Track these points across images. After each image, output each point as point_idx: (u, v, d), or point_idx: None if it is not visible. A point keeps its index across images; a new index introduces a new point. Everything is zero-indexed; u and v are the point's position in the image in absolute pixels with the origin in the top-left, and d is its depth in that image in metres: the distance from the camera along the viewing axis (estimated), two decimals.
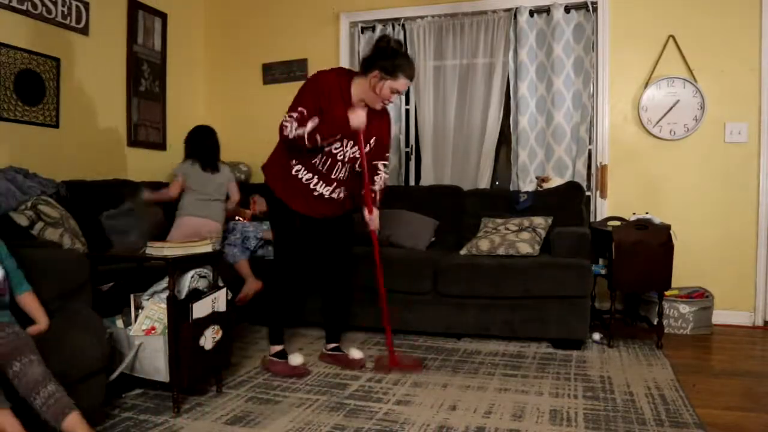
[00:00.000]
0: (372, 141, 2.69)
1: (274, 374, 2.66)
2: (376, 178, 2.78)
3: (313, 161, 2.61)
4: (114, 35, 3.95)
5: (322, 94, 2.54)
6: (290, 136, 2.50)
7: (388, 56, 2.51)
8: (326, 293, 2.94)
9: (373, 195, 2.76)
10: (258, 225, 3.68)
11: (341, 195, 2.73)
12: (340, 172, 2.66)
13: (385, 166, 2.82)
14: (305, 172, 2.63)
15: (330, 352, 2.91)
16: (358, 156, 2.65)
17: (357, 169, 2.70)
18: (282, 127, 2.53)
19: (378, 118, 2.68)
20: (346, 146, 2.62)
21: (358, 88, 2.58)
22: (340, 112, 2.51)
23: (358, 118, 2.50)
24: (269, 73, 4.72)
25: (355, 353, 2.83)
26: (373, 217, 2.76)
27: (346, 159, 2.64)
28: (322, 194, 2.66)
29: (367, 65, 2.56)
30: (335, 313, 2.97)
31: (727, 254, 3.72)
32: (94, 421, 1.91)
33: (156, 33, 4.33)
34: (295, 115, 2.51)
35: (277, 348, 2.76)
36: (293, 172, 2.64)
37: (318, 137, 2.47)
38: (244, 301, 3.41)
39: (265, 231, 3.60)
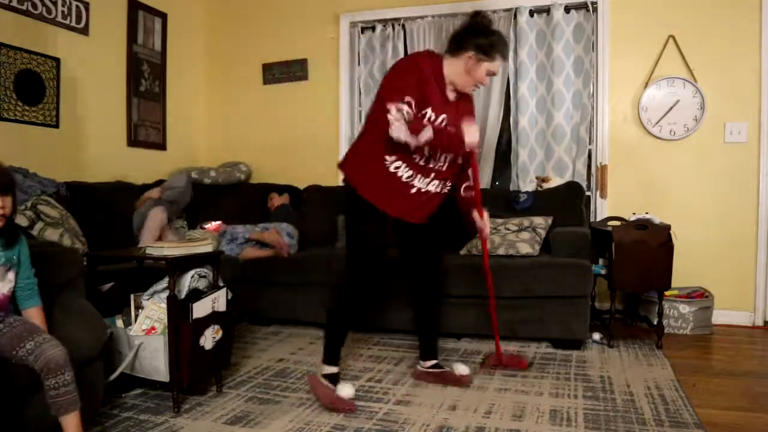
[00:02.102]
0: None
1: (316, 396, 2.34)
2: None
3: (413, 156, 2.27)
4: (114, 35, 3.95)
5: (427, 82, 2.24)
6: (397, 137, 2.13)
7: (486, 34, 2.26)
8: (419, 305, 2.62)
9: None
10: (251, 227, 3.70)
11: (440, 189, 2.39)
12: (439, 162, 2.33)
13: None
14: (406, 168, 2.28)
15: (431, 370, 2.58)
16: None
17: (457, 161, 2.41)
18: (393, 134, 2.13)
19: (464, 103, 2.42)
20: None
21: (450, 70, 2.30)
22: (439, 100, 2.27)
23: (474, 133, 2.21)
24: (269, 73, 4.72)
25: (462, 369, 2.53)
26: (485, 221, 2.53)
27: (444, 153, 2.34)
28: (420, 189, 2.32)
29: (460, 45, 2.28)
30: (431, 326, 2.65)
31: (727, 254, 3.71)
32: (92, 412, 1.92)
33: (156, 33, 4.33)
34: (404, 108, 2.12)
35: (332, 369, 2.39)
36: (392, 170, 2.28)
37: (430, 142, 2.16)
38: (247, 257, 3.57)
39: (257, 232, 3.61)
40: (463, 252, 3.50)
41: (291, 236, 3.79)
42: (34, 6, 3.31)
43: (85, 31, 3.67)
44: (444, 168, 2.36)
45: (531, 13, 4.03)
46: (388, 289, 2.88)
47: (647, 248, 3.09)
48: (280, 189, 4.28)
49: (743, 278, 3.70)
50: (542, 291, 3.04)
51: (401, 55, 4.36)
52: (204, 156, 4.88)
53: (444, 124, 2.27)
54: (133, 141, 4.13)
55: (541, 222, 3.47)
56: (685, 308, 3.47)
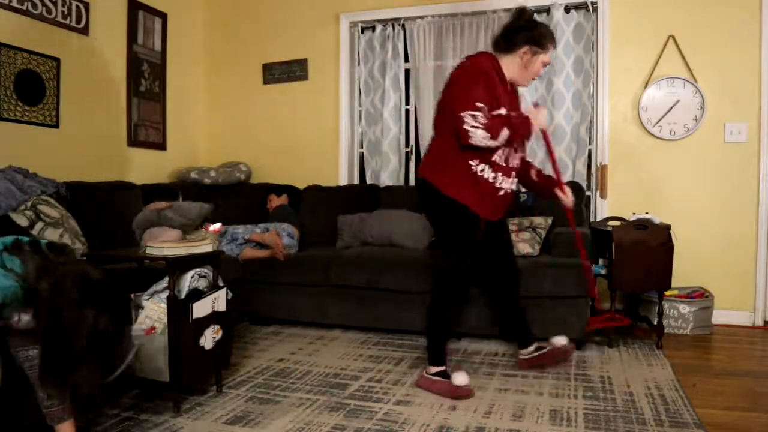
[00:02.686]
0: None
1: (433, 393, 2.41)
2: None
3: (494, 157, 2.38)
4: (114, 35, 3.95)
5: (494, 84, 2.34)
6: (475, 143, 2.26)
7: (535, 27, 2.38)
8: (504, 299, 2.73)
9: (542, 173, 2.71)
10: (252, 227, 3.69)
11: (515, 186, 2.58)
12: (515, 160, 2.49)
13: None
14: (490, 170, 2.39)
15: (536, 354, 2.68)
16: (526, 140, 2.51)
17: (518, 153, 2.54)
18: (465, 133, 2.24)
19: (514, 95, 2.56)
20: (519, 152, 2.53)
21: (508, 68, 2.42)
22: (506, 98, 2.38)
23: (543, 116, 2.40)
24: (269, 73, 4.72)
25: (560, 339, 2.67)
26: (568, 194, 2.65)
27: (516, 145, 2.47)
28: (505, 190, 2.47)
29: (512, 42, 2.39)
30: (520, 314, 2.76)
31: (727, 254, 3.71)
32: (89, 406, 1.92)
33: (156, 33, 4.33)
34: (479, 115, 2.22)
35: (440, 368, 2.46)
36: (478, 173, 2.38)
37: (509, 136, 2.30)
38: (246, 258, 3.58)
39: (257, 233, 3.61)
40: None
41: (291, 237, 3.79)
42: (34, 6, 3.31)
43: (85, 31, 3.67)
44: (518, 165, 2.52)
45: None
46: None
47: (647, 248, 3.09)
48: (280, 189, 4.27)
49: (743, 278, 3.70)
50: (542, 291, 3.03)
51: (401, 55, 4.37)
52: (204, 156, 4.88)
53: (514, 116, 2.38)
54: (133, 141, 4.13)
55: (541, 222, 3.47)
56: (685, 308, 3.47)
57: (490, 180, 2.41)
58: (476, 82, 2.29)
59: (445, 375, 2.44)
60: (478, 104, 2.24)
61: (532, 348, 2.72)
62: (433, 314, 2.52)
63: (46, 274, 1.52)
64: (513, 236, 3.38)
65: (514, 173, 2.51)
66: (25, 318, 1.57)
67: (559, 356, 2.66)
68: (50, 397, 1.69)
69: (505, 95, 2.41)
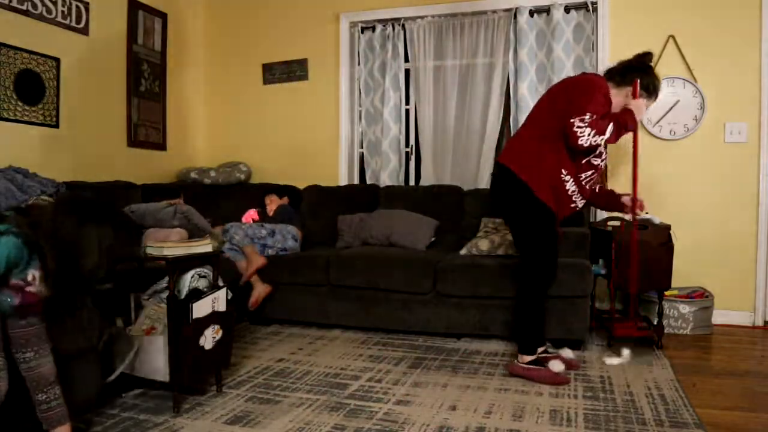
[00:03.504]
0: None
1: (532, 380, 2.54)
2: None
3: (581, 175, 2.58)
4: (114, 35, 3.95)
5: (608, 102, 2.52)
6: (585, 144, 2.41)
7: (650, 74, 2.57)
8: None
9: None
10: (257, 226, 3.68)
11: (581, 206, 2.75)
12: (593, 182, 2.68)
13: None
14: (572, 184, 2.57)
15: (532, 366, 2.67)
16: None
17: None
18: (574, 135, 2.40)
19: None
20: (605, 154, 2.65)
21: (614, 98, 2.58)
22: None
23: (641, 109, 2.52)
24: (269, 73, 4.72)
25: (568, 352, 2.83)
26: (641, 204, 2.86)
27: (600, 167, 2.65)
28: (574, 208, 2.66)
29: (626, 79, 2.58)
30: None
31: (727, 254, 3.71)
32: (88, 405, 1.93)
33: (156, 33, 4.34)
34: (587, 118, 2.39)
35: (531, 357, 2.61)
36: (562, 181, 2.55)
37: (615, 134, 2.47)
38: (255, 305, 3.47)
39: (248, 246, 3.57)
40: (463, 252, 3.50)
41: (295, 239, 3.79)
42: (34, 6, 3.31)
43: (85, 31, 3.67)
44: (592, 189, 2.74)
45: (531, 13, 4.03)
46: None
47: (647, 248, 3.09)
48: (280, 189, 4.26)
49: (743, 278, 3.70)
50: None
51: (401, 55, 4.37)
52: (204, 156, 4.88)
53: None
54: (133, 141, 4.13)
55: None
56: (685, 308, 3.46)
57: (569, 192, 2.58)
58: (595, 97, 2.44)
59: (538, 363, 2.59)
60: (590, 113, 2.39)
61: (540, 350, 2.72)
62: (527, 305, 2.64)
63: (38, 215, 1.54)
64: None
65: (585, 195, 2.68)
66: (36, 273, 1.59)
67: (553, 380, 2.56)
68: (48, 394, 1.70)
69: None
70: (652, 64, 2.69)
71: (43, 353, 1.72)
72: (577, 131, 2.38)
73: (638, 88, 2.59)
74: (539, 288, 2.63)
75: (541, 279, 2.63)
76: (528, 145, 2.59)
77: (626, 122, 2.51)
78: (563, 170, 2.53)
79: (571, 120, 2.39)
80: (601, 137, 2.41)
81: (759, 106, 3.64)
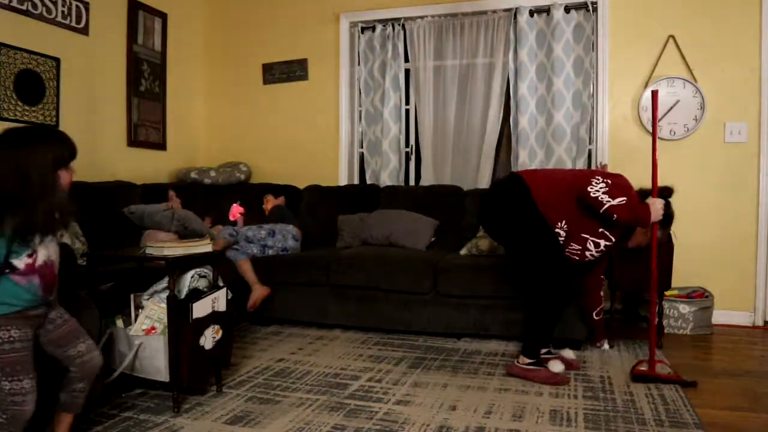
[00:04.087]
0: None
1: (531, 380, 2.56)
2: None
3: (575, 246, 2.65)
4: (114, 35, 3.95)
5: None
6: (592, 194, 2.50)
7: (668, 207, 2.68)
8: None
9: None
10: (257, 228, 3.69)
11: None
12: (578, 259, 2.73)
13: None
14: (565, 238, 2.63)
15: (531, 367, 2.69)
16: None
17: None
18: (592, 189, 2.51)
19: None
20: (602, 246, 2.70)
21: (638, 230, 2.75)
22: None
23: (658, 213, 2.56)
24: (269, 73, 4.72)
25: (569, 353, 2.83)
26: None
27: (586, 255, 2.71)
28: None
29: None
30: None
31: (727, 254, 3.71)
32: (90, 401, 1.94)
33: (156, 33, 4.34)
34: (608, 182, 2.54)
35: (531, 360, 2.62)
36: (555, 230, 2.61)
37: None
38: (253, 308, 3.47)
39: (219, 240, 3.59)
40: (463, 252, 3.50)
41: (296, 239, 3.79)
42: (34, 6, 3.31)
43: (85, 31, 3.67)
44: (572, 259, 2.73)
45: (531, 13, 4.03)
46: None
47: (647, 248, 3.08)
48: (279, 189, 4.26)
49: (743, 278, 3.70)
50: None
51: (401, 55, 4.37)
52: (204, 156, 4.88)
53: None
54: (133, 141, 4.13)
55: None
56: (685, 308, 3.46)
57: (561, 242, 2.65)
58: (630, 196, 2.52)
59: (537, 364, 2.61)
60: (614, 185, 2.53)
61: (542, 351, 2.73)
62: (540, 313, 2.64)
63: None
64: None
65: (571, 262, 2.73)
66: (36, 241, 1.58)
67: (569, 366, 2.70)
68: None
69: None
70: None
71: (91, 344, 1.76)
72: (592, 181, 2.50)
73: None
74: (552, 297, 2.62)
75: (554, 288, 2.62)
76: (553, 186, 2.63)
77: (640, 211, 2.51)
78: (563, 222, 2.58)
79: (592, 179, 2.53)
80: (608, 200, 2.45)
81: (759, 106, 3.64)
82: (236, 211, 4.02)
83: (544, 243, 2.62)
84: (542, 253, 2.64)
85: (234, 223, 3.97)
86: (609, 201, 2.45)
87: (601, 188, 2.48)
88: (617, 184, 2.54)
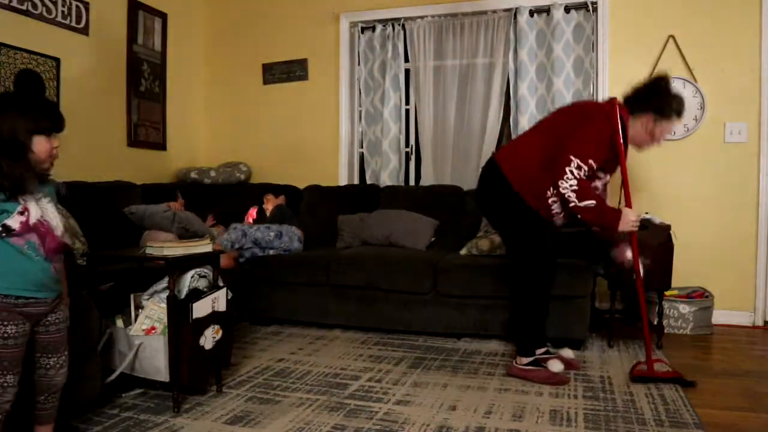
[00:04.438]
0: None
1: (531, 381, 2.54)
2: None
3: (566, 204, 2.49)
4: (114, 35, 3.95)
5: (617, 143, 2.44)
6: (561, 190, 2.38)
7: (668, 98, 2.49)
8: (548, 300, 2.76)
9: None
10: (265, 228, 3.69)
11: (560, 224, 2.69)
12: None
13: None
14: (557, 206, 2.53)
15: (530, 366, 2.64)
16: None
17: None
18: (562, 173, 2.37)
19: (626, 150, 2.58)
20: (607, 178, 2.60)
21: (633, 126, 2.52)
22: (619, 159, 2.49)
23: (627, 224, 2.43)
24: (269, 73, 4.72)
25: (568, 352, 2.81)
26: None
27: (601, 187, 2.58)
28: (554, 223, 2.63)
29: (640, 106, 2.50)
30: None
31: (727, 254, 3.71)
32: (91, 401, 1.94)
33: (156, 33, 4.34)
34: (584, 169, 2.38)
35: (529, 359, 2.60)
36: (548, 201, 2.51)
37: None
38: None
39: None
40: (463, 252, 3.50)
41: (300, 241, 3.78)
42: (34, 6, 3.31)
43: (85, 31, 3.67)
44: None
45: (531, 13, 4.03)
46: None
47: (647, 248, 3.08)
48: (279, 189, 4.26)
49: (743, 278, 3.70)
50: None
51: (401, 55, 4.37)
52: (204, 156, 4.88)
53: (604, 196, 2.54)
54: (133, 141, 4.13)
55: None
56: (685, 308, 3.46)
57: (552, 210, 2.55)
58: (604, 140, 2.41)
59: (536, 364, 2.58)
60: (591, 162, 2.38)
61: (540, 351, 2.70)
62: (523, 306, 2.64)
63: None
64: None
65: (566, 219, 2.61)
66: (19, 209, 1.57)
67: (569, 365, 2.68)
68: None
69: (620, 157, 2.49)
70: (663, 76, 2.59)
71: (64, 362, 1.74)
72: (566, 173, 2.37)
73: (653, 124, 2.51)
74: (535, 289, 2.62)
75: (537, 279, 2.61)
76: (526, 153, 2.57)
77: (608, 218, 2.42)
78: (548, 191, 2.49)
79: (571, 158, 2.37)
80: (573, 202, 2.37)
81: (759, 106, 3.64)
82: (251, 215, 4.03)
83: (523, 224, 2.58)
84: (521, 234, 2.61)
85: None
86: (574, 202, 2.38)
87: (571, 185, 2.37)
88: (590, 154, 2.38)
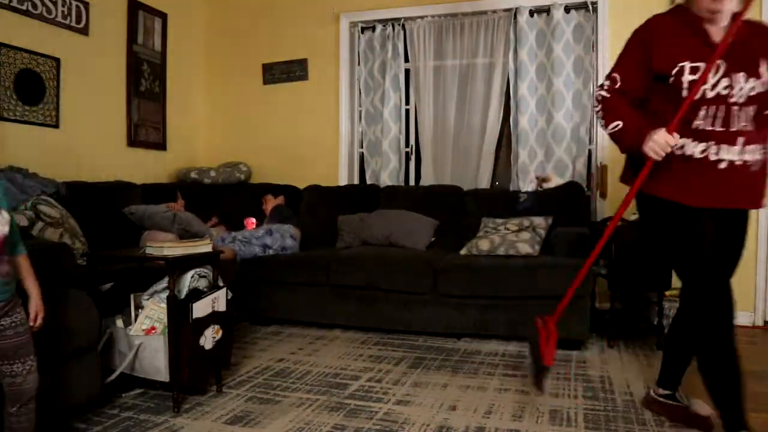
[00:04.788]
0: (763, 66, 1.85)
1: (665, 417, 2.13)
2: None
3: (696, 124, 1.84)
4: (114, 35, 3.95)
5: (654, 43, 2.01)
6: (604, 127, 1.96)
7: None
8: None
9: None
10: (252, 231, 3.70)
11: (756, 157, 1.87)
12: (741, 121, 1.84)
13: None
14: (695, 144, 1.85)
15: (663, 400, 2.19)
16: (762, 90, 1.84)
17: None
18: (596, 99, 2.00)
19: (755, 37, 1.97)
20: (736, 79, 1.83)
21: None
22: (694, 51, 1.91)
23: (652, 148, 1.82)
24: (269, 73, 4.72)
25: (703, 407, 2.09)
26: None
27: (744, 99, 1.83)
28: (732, 162, 1.84)
29: None
30: (691, 352, 2.16)
31: None
32: (91, 401, 1.93)
33: (156, 33, 4.33)
34: (606, 84, 1.98)
35: (665, 392, 2.17)
36: (677, 154, 1.85)
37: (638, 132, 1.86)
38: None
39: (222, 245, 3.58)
40: (463, 252, 3.50)
41: (294, 239, 3.79)
42: (34, 6, 3.31)
43: (85, 31, 3.67)
44: (751, 128, 1.85)
45: (531, 13, 4.03)
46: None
47: (647, 248, 3.09)
48: (278, 189, 4.26)
49: (743, 278, 3.68)
50: (542, 291, 3.03)
51: (401, 55, 4.37)
52: (204, 156, 4.88)
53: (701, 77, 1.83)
54: (133, 141, 4.13)
55: (541, 222, 3.47)
56: None
57: (697, 155, 1.85)
58: (628, 49, 2.06)
59: (671, 398, 2.15)
60: (615, 75, 1.99)
61: (664, 392, 2.20)
62: (672, 335, 2.23)
63: None
64: (513, 236, 3.38)
65: (743, 138, 1.83)
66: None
67: (692, 421, 2.08)
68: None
69: (692, 48, 1.92)
70: None
71: (31, 368, 1.60)
72: (596, 95, 2.01)
73: None
74: (688, 319, 2.09)
75: (692, 309, 1.98)
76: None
77: (625, 142, 1.93)
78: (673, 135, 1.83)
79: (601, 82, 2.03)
80: (602, 124, 1.98)
81: None
82: (250, 225, 4.03)
83: (678, 236, 1.93)
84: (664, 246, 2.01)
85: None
86: (601, 122, 1.99)
87: (596, 112, 2.01)
88: (607, 81, 2.01)
